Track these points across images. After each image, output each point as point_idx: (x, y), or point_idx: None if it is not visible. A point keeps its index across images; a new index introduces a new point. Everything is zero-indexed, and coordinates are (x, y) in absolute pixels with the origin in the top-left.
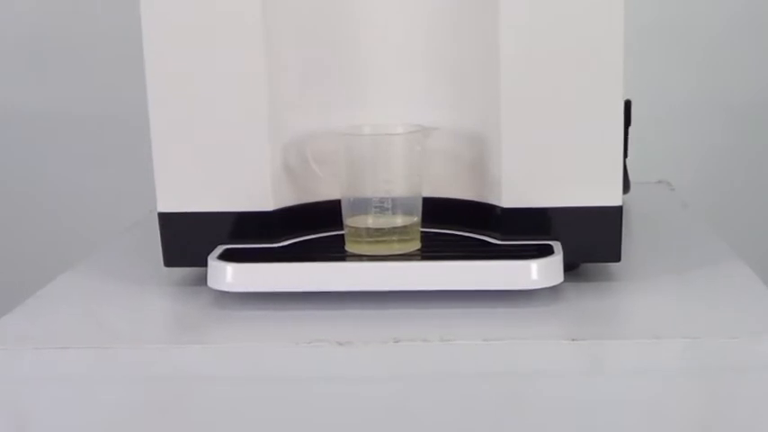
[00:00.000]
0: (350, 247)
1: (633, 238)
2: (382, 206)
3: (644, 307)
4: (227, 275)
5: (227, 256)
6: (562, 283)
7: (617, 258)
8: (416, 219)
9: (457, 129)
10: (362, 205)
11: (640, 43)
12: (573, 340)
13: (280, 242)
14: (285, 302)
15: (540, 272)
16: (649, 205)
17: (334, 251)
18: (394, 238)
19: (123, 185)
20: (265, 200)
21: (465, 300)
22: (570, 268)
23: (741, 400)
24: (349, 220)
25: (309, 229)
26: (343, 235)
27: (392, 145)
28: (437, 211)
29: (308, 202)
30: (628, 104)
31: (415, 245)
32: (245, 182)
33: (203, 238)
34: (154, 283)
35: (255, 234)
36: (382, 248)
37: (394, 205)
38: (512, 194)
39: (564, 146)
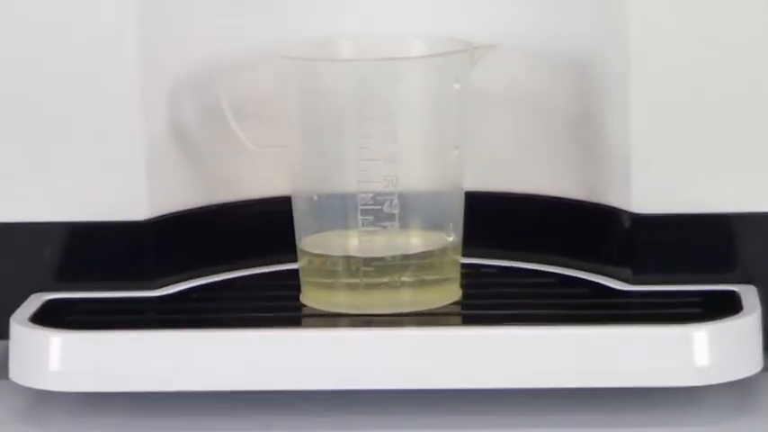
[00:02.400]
0: (310, 298)
1: None
2: (380, 211)
3: None
4: (51, 358)
5: (52, 317)
6: (762, 371)
7: None
8: (451, 239)
9: (538, 51)
10: (337, 209)
11: None
12: None
13: (161, 287)
14: (174, 414)
15: (717, 350)
16: None
17: (276, 307)
18: (405, 278)
19: None
20: (132, 200)
21: (558, 407)
22: None
23: None
24: (308, 241)
25: (224, 259)
26: (294, 272)
27: (400, 80)
28: (497, 221)
29: (223, 203)
30: None
31: (451, 293)
32: (89, 164)
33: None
34: None
35: (112, 270)
36: (380, 301)
37: (405, 209)
38: (652, 190)
39: (755, 93)
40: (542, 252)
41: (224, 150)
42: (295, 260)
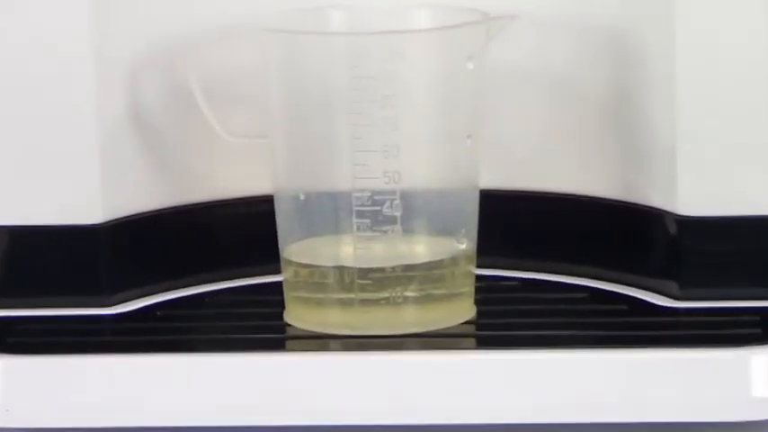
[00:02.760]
0: (295, 316)
1: None
2: (378, 213)
3: None
4: None
5: None
6: None
7: None
8: (463, 246)
9: (566, 23)
10: (328, 210)
11: None
12: None
13: (119, 303)
14: None
15: None
16: None
17: (255, 327)
18: (408, 293)
19: None
20: (84, 201)
21: None
22: None
23: None
24: (294, 249)
25: (193, 270)
26: (278, 285)
27: (403, 57)
28: (518, 226)
29: (193, 204)
30: None
31: (463, 311)
32: (34, 159)
33: None
34: None
35: (61, 283)
36: (379, 320)
37: (408, 211)
38: (701, 188)
39: None
40: (571, 262)
41: (194, 141)
42: (278, 271)
